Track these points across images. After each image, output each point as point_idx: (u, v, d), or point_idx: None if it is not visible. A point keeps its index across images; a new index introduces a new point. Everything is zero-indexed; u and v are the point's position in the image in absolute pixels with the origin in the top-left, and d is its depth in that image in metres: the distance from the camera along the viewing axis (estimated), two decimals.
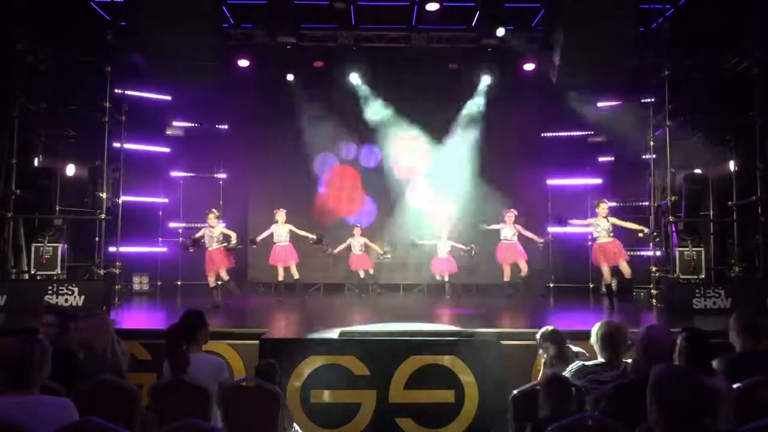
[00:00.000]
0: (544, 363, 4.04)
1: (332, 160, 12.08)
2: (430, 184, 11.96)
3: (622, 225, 8.69)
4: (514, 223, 10.11)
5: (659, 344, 3.15)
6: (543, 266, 11.56)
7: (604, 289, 8.80)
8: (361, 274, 10.84)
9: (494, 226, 10.14)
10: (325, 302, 10.35)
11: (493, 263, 10.32)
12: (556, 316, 8.77)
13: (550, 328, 4.09)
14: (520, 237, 10.10)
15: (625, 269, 8.52)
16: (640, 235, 8.63)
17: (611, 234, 8.59)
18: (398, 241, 11.51)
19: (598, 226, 8.62)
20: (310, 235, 10.07)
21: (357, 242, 10.77)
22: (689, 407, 2.28)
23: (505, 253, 9.99)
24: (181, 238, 9.37)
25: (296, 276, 9.95)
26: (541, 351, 4.06)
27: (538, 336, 4.09)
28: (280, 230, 9.93)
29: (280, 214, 10.02)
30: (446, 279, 10.66)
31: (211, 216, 9.13)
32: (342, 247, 10.66)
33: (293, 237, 10.05)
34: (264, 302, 9.89)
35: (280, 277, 9.88)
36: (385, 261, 10.95)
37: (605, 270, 8.57)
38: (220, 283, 8.96)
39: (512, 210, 10.14)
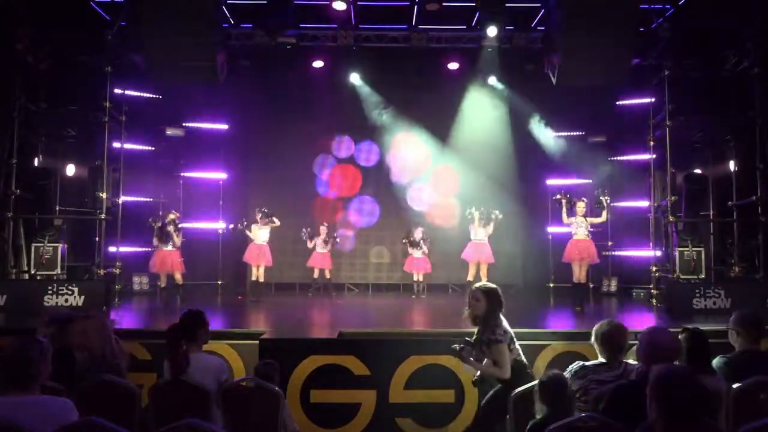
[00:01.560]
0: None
1: (332, 160, 12.10)
2: (430, 184, 11.99)
3: (594, 221, 8.79)
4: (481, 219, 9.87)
5: (662, 347, 3.15)
6: (543, 266, 11.60)
7: (576, 287, 8.73)
8: (317, 274, 10.74)
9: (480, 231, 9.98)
10: (324, 302, 10.33)
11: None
12: (556, 316, 8.76)
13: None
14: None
15: (583, 273, 8.51)
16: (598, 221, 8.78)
17: (588, 235, 8.60)
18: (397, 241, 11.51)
19: (578, 225, 8.63)
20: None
21: (322, 240, 10.69)
22: (689, 407, 2.28)
23: (474, 253, 9.80)
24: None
25: (261, 279, 10.00)
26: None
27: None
28: (259, 230, 9.96)
29: (260, 214, 10.04)
30: (420, 278, 10.75)
31: (171, 216, 9.27)
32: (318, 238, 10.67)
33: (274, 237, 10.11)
34: (264, 302, 9.88)
35: (254, 277, 9.96)
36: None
37: (575, 268, 8.52)
38: (164, 285, 9.10)
39: (474, 209, 9.90)
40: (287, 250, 11.41)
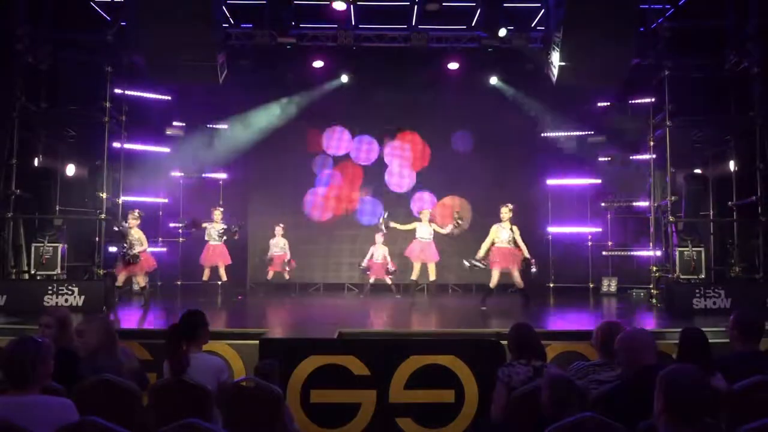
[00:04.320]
0: None
1: (331, 160, 12.10)
2: (429, 184, 12.00)
3: (518, 241, 8.54)
4: (430, 221, 9.85)
5: (641, 347, 3.17)
6: (543, 266, 11.59)
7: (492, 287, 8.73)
8: (271, 275, 10.66)
9: (409, 226, 10.00)
10: (325, 302, 10.35)
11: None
12: (557, 317, 8.77)
13: None
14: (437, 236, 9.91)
15: (517, 279, 8.52)
16: (524, 259, 8.53)
17: (511, 242, 8.53)
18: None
19: (500, 234, 8.53)
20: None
21: (280, 241, 10.62)
22: (696, 406, 2.29)
23: (419, 252, 9.72)
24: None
25: (224, 278, 9.93)
26: None
27: None
28: (212, 230, 9.94)
29: (217, 213, 10.03)
30: (375, 278, 10.62)
31: (130, 218, 8.89)
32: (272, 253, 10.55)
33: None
34: (264, 302, 9.89)
35: (205, 277, 9.87)
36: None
37: (496, 274, 8.49)
38: (141, 287, 8.85)
39: (427, 208, 9.87)
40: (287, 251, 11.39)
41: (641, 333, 3.35)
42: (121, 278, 8.74)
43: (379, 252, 10.63)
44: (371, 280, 10.71)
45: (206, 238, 9.98)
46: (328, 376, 5.18)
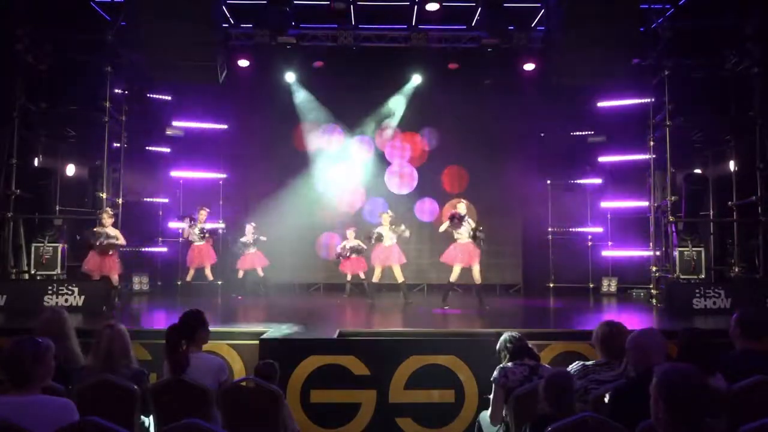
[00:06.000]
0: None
1: (332, 160, 12.09)
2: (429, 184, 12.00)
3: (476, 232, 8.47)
4: (390, 225, 9.57)
5: (650, 347, 3.17)
6: (543, 266, 11.60)
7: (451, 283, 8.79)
8: (241, 274, 10.58)
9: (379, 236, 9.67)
10: (325, 302, 10.34)
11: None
12: (557, 316, 8.76)
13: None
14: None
15: (476, 275, 8.51)
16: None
17: (471, 235, 8.53)
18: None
19: (460, 230, 8.51)
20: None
21: (249, 239, 10.53)
22: (695, 407, 2.28)
23: (380, 256, 9.52)
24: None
25: (210, 278, 9.93)
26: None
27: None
28: (196, 230, 9.93)
29: (202, 213, 10.00)
30: (362, 277, 10.51)
31: (105, 215, 8.57)
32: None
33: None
34: (264, 302, 9.88)
35: (189, 278, 9.82)
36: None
37: (457, 270, 8.50)
38: (113, 286, 8.51)
39: (387, 212, 9.77)
40: (287, 251, 11.39)
41: (652, 333, 3.33)
42: (95, 275, 8.40)
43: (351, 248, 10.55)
44: (348, 277, 10.67)
45: (189, 239, 9.92)
46: (328, 376, 5.18)
